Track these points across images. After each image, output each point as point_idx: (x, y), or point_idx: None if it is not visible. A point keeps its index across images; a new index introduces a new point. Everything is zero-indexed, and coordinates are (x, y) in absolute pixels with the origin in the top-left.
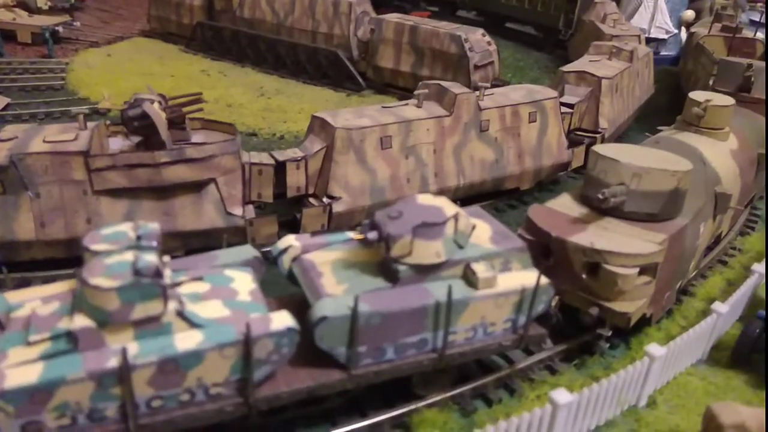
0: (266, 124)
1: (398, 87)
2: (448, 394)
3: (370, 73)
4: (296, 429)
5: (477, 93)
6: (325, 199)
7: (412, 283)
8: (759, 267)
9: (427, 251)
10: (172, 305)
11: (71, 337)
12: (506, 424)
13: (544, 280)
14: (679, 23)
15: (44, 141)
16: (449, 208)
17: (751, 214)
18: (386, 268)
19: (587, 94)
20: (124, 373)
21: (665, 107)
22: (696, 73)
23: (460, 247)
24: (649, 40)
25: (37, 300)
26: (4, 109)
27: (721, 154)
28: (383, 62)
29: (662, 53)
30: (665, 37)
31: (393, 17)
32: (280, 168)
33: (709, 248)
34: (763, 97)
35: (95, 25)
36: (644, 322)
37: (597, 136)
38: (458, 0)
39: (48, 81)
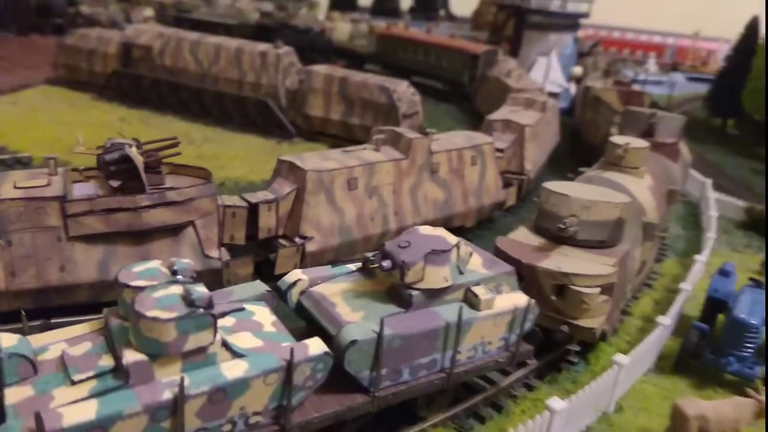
0: None
1: (328, 135)
2: (447, 415)
3: (300, 121)
4: None
5: (426, 138)
6: (297, 239)
7: (423, 307)
8: (686, 285)
9: (437, 277)
10: (218, 336)
11: (119, 373)
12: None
13: (532, 300)
14: (569, 78)
15: (15, 187)
16: (450, 237)
17: (662, 244)
18: (397, 295)
19: (513, 140)
20: (179, 404)
21: (566, 153)
22: (596, 122)
23: (461, 272)
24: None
25: (60, 342)
26: None
27: (643, 190)
28: (313, 111)
29: None
30: (558, 90)
31: (322, 68)
32: (252, 210)
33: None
34: (666, 141)
35: None
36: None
37: (524, 177)
38: (366, 54)
39: None
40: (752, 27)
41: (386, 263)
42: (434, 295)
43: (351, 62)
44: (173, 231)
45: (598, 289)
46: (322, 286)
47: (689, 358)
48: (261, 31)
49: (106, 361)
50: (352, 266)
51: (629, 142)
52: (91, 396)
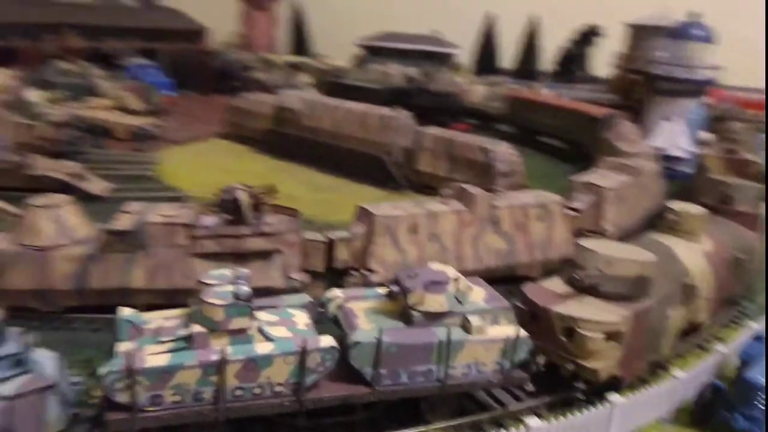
0: (321, 213)
1: (435, 189)
2: (451, 423)
3: (412, 176)
4: None
5: (492, 194)
6: (364, 272)
7: (423, 326)
8: (722, 348)
9: (435, 302)
10: (255, 323)
11: (188, 339)
12: None
13: (523, 333)
14: (698, 143)
15: (158, 215)
16: (452, 272)
17: (737, 310)
18: (404, 314)
19: (592, 201)
20: (222, 364)
21: None
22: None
23: (460, 302)
24: (669, 158)
25: (159, 319)
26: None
27: (693, 253)
28: (423, 167)
29: (680, 169)
30: (683, 155)
31: (432, 130)
32: (330, 245)
33: (687, 334)
34: (743, 209)
35: (177, 127)
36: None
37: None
38: (497, 116)
39: (139, 171)
40: None
41: (395, 287)
42: (434, 318)
43: (482, 123)
44: (265, 255)
45: (602, 335)
46: (352, 303)
47: (703, 413)
48: (400, 95)
49: (184, 332)
50: (382, 290)
51: (684, 208)
52: (168, 351)
